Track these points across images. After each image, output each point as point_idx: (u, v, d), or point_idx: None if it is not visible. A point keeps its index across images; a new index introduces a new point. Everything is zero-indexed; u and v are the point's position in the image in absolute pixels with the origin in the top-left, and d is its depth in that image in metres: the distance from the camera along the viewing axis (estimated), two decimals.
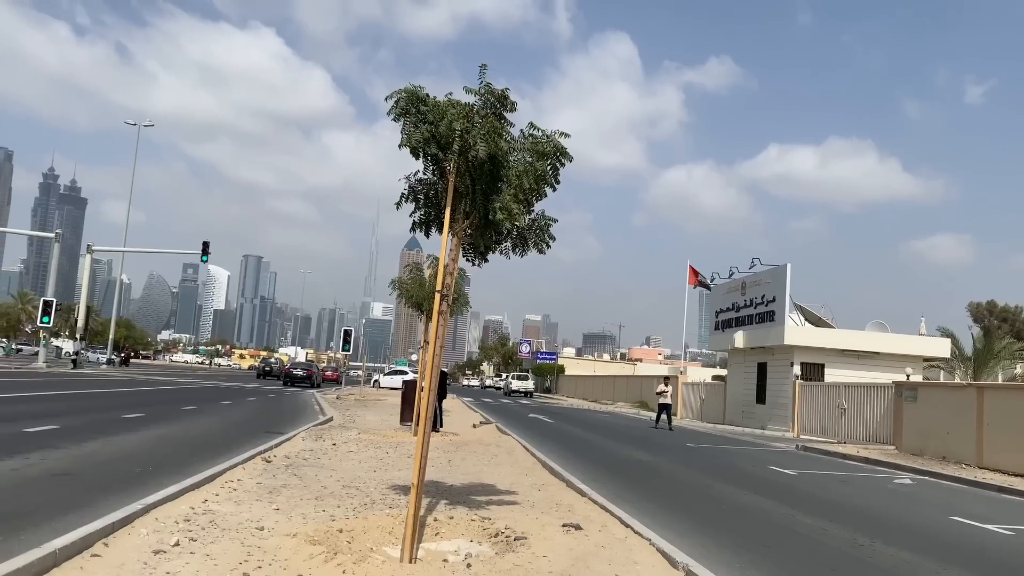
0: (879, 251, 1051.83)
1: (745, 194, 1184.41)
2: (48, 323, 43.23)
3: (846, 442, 23.95)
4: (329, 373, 54.69)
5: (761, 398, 32.66)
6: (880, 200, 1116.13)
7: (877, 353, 30.61)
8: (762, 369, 32.90)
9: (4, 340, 75.93)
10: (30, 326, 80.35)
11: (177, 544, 5.65)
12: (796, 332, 31.27)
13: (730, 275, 37.25)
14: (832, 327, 33.68)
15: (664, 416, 27.22)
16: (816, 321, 34.01)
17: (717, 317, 38.07)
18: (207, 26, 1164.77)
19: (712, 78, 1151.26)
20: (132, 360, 75.09)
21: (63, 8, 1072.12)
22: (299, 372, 47.55)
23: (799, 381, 29.74)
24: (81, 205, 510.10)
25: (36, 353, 49.06)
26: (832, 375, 29.80)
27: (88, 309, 52.56)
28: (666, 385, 27.60)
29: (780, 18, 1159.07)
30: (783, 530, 8.64)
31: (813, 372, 30.44)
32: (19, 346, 73.06)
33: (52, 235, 50.41)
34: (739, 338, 34.14)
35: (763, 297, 32.78)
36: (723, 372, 45.10)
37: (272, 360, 69.61)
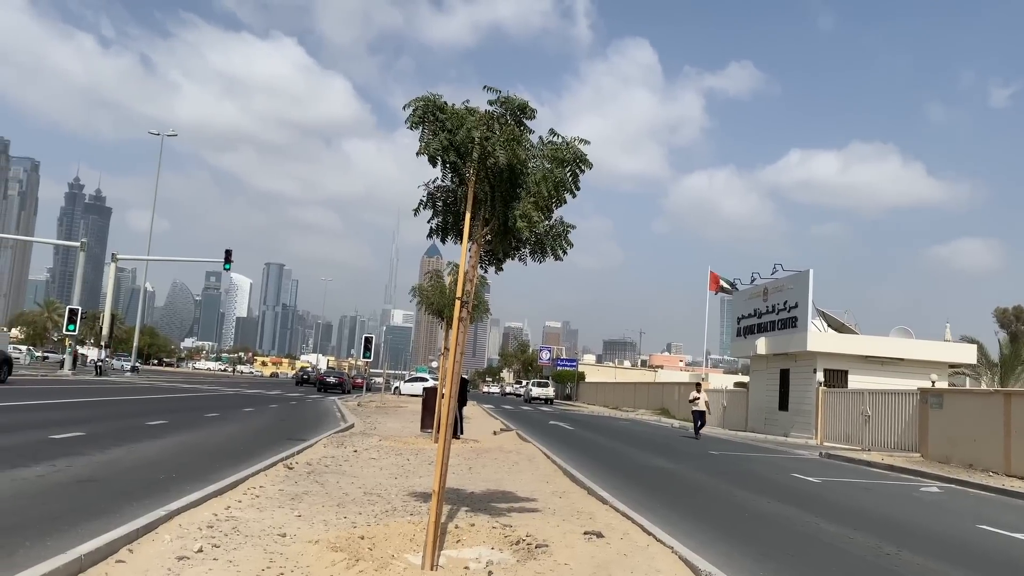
0: (903, 256, 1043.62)
1: (767, 200, 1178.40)
2: (74, 331, 43.73)
3: (870, 449, 23.68)
4: (359, 380, 59.04)
5: (784, 405, 32.38)
6: (904, 205, 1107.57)
7: (901, 359, 30.27)
8: (785, 376, 32.63)
9: (30, 347, 76.96)
10: (56, 334, 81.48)
11: (200, 550, 5.69)
12: (819, 338, 30.99)
13: (752, 281, 37.03)
14: (856, 333, 33.35)
15: (700, 424, 26.40)
16: (839, 327, 33.68)
17: (739, 323, 37.84)
18: (230, 36, 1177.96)
19: (734, 83, 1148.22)
20: (143, 367, 75.64)
21: (88, 21, 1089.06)
22: (332, 380, 54.22)
23: (822, 388, 29.46)
24: (106, 214, 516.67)
25: (62, 361, 49.70)
26: (856, 382, 29.49)
27: (113, 317, 53.22)
28: (698, 392, 26.77)
29: (802, 22, 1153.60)
30: (807, 538, 8.55)
31: (836, 379, 30.14)
32: (46, 353, 74.01)
33: (78, 244, 51.08)
34: (761, 344, 33.88)
35: (785, 303, 32.54)
36: (745, 379, 44.79)
37: (309, 369, 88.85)
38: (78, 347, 50.27)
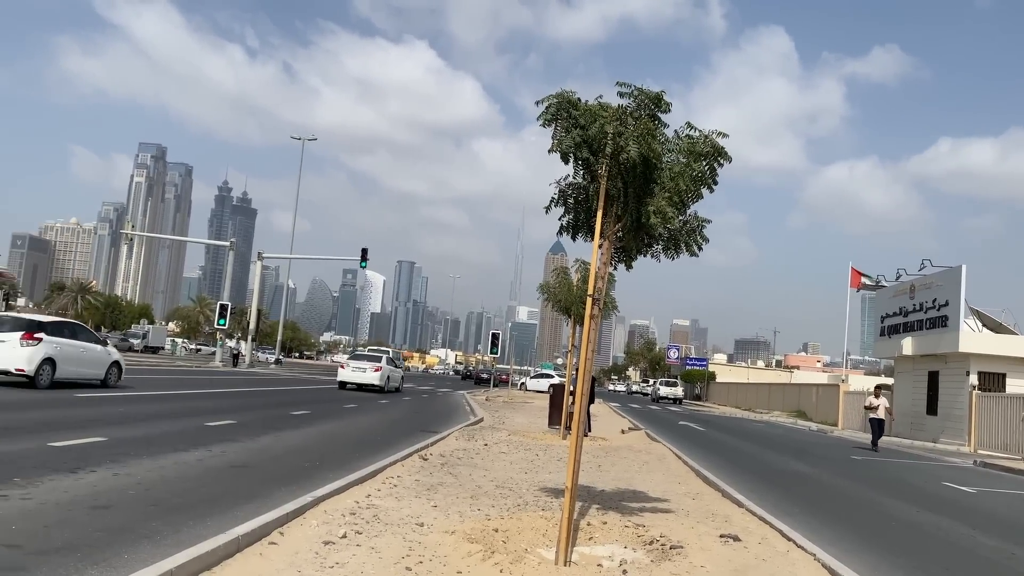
0: None
1: (913, 191, 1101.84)
2: (224, 325, 46.68)
3: None
4: (503, 376, 63.02)
5: (932, 409, 30.49)
6: None
7: None
8: (933, 378, 30.72)
9: (184, 340, 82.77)
10: (208, 327, 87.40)
11: (344, 536, 5.94)
12: (972, 339, 28.98)
13: (897, 278, 35.11)
14: (1015, 334, 30.99)
15: (879, 434, 22.86)
16: (995, 327, 31.39)
17: (883, 322, 35.96)
18: (365, 42, 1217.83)
19: (878, 68, 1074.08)
20: (286, 359, 79.61)
21: (236, 32, 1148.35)
22: (484, 375, 67.10)
23: (976, 391, 27.53)
24: (252, 215, 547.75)
25: (213, 353, 53.17)
26: (1015, 386, 27.37)
27: (259, 312, 56.45)
28: (878, 398, 23.44)
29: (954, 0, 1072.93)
30: (963, 552, 8.01)
31: (992, 382, 28.10)
32: (198, 346, 79.36)
33: (227, 244, 54.55)
34: (907, 345, 32.04)
35: (934, 301, 30.62)
36: (889, 381, 42.40)
37: (471, 367, 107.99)
38: (227, 340, 53.55)
